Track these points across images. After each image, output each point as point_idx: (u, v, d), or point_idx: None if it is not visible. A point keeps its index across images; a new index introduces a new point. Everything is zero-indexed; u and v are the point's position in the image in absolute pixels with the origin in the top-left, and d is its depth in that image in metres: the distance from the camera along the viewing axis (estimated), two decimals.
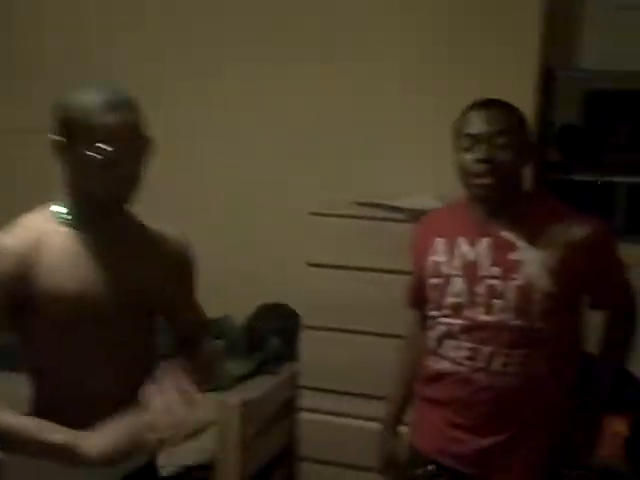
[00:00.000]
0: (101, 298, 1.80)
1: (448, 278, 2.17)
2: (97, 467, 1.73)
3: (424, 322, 2.33)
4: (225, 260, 3.71)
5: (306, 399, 3.45)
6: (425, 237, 2.27)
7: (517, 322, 2.08)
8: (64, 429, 1.72)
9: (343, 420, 3.34)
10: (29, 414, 1.81)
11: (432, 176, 3.27)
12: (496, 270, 2.11)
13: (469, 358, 2.13)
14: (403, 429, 2.44)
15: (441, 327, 2.19)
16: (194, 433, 3.21)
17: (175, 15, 4.02)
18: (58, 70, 3.99)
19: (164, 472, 3.08)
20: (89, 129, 1.73)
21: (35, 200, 1.89)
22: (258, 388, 3.33)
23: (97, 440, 1.72)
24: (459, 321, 2.14)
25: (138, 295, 1.87)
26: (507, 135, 2.10)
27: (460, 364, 2.15)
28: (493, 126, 2.10)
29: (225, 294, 3.54)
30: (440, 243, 2.21)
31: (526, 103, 2.99)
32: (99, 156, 1.73)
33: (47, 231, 1.80)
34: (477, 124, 2.11)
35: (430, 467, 2.24)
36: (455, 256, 2.17)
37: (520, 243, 2.11)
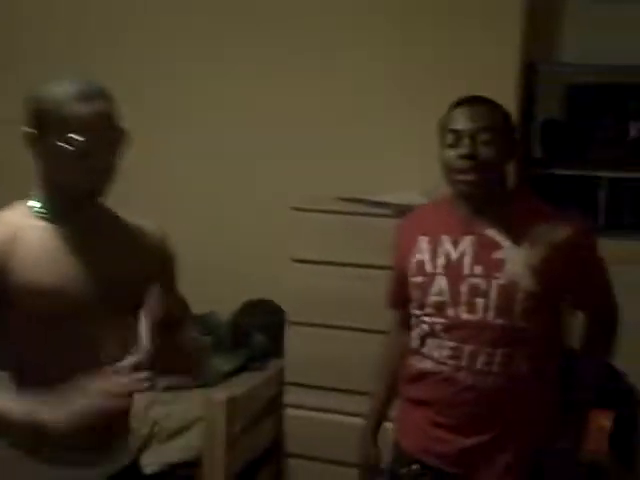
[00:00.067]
0: (80, 292, 1.78)
1: (431, 277, 2.17)
2: (62, 438, 1.72)
3: (404, 322, 2.33)
4: (210, 256, 3.71)
5: (292, 395, 3.46)
6: (409, 235, 2.27)
7: (499, 321, 2.09)
8: (24, 403, 1.70)
9: (329, 416, 3.36)
10: None
11: (418, 173, 3.29)
12: (479, 269, 2.11)
13: (452, 357, 2.13)
14: (388, 425, 2.44)
15: (424, 326, 2.19)
16: (180, 430, 3.22)
17: (155, 14, 4.02)
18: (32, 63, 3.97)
19: (150, 469, 3.10)
20: (60, 120, 1.72)
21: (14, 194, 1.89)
22: (244, 384, 3.34)
23: (60, 410, 1.69)
24: (442, 320, 2.14)
25: (118, 289, 1.84)
26: (491, 132, 2.10)
27: (443, 363, 2.15)
28: (477, 123, 2.10)
29: (210, 290, 3.54)
30: (424, 241, 2.21)
31: (508, 98, 3.01)
32: (70, 147, 1.72)
33: (23, 226, 1.78)
34: (461, 120, 2.11)
35: (414, 466, 2.24)
36: (438, 255, 2.17)
37: (504, 242, 2.12)
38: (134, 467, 2.02)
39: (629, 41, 3.48)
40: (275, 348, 3.62)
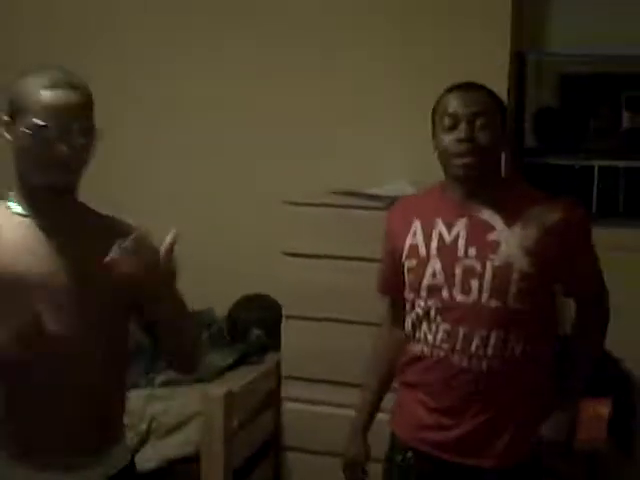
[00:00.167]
0: (61, 290, 1.77)
1: (425, 259, 2.16)
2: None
3: (396, 311, 2.34)
4: (205, 253, 3.71)
5: (289, 389, 3.46)
6: (402, 220, 2.26)
7: (494, 302, 2.09)
8: None
9: (327, 409, 3.35)
10: None
11: (403, 164, 3.30)
12: (473, 250, 2.11)
13: (446, 340, 2.13)
14: (384, 417, 2.43)
15: (418, 309, 2.19)
16: (178, 425, 3.23)
17: (155, 13, 4.03)
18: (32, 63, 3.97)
19: (148, 465, 3.11)
20: (25, 105, 1.74)
21: None
22: (241, 379, 3.34)
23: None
24: (436, 302, 2.14)
25: (95, 283, 1.81)
26: (487, 116, 2.11)
27: (437, 346, 2.15)
28: (474, 107, 2.11)
29: (206, 286, 3.54)
30: (417, 225, 2.21)
31: (500, 88, 3.01)
32: (29, 131, 1.72)
33: (2, 224, 1.79)
34: (458, 105, 2.12)
35: (409, 454, 2.25)
36: (432, 238, 2.17)
37: (498, 224, 2.12)
38: (130, 468, 2.00)
39: (621, 29, 3.49)
40: (272, 342, 3.63)
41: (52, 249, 1.79)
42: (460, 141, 2.09)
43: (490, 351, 2.10)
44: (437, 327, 2.15)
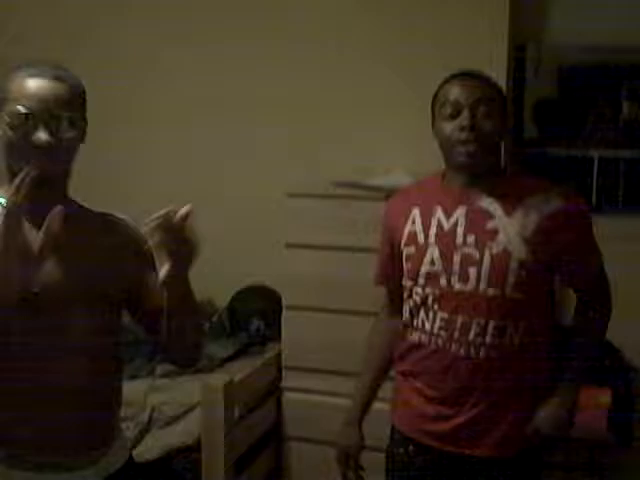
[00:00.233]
0: (50, 286, 1.76)
1: (424, 247, 2.16)
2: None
3: (394, 301, 2.34)
4: (205, 243, 3.71)
5: (290, 379, 3.47)
6: (400, 209, 2.27)
7: (492, 291, 2.08)
8: None
9: (328, 399, 3.35)
10: None
11: (403, 155, 3.30)
12: (472, 238, 2.11)
13: (444, 329, 2.13)
14: (381, 406, 2.43)
15: (415, 297, 2.19)
16: (179, 416, 3.23)
17: (155, 12, 4.03)
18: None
19: (149, 456, 3.12)
20: (12, 93, 1.74)
21: None
22: (242, 370, 3.34)
23: None
24: (434, 290, 2.14)
25: (90, 282, 1.81)
26: (488, 104, 2.11)
27: (435, 335, 2.15)
28: (475, 95, 2.10)
29: (206, 277, 3.53)
30: (416, 213, 2.21)
31: (499, 79, 3.01)
32: (10, 119, 1.72)
33: None
34: (460, 93, 2.11)
35: (410, 448, 2.25)
36: (431, 225, 2.17)
37: (497, 212, 2.11)
38: (129, 466, 2.00)
39: (620, 20, 3.49)
40: (272, 333, 3.64)
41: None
42: (463, 129, 2.09)
43: (488, 340, 2.10)
44: (435, 315, 2.15)
